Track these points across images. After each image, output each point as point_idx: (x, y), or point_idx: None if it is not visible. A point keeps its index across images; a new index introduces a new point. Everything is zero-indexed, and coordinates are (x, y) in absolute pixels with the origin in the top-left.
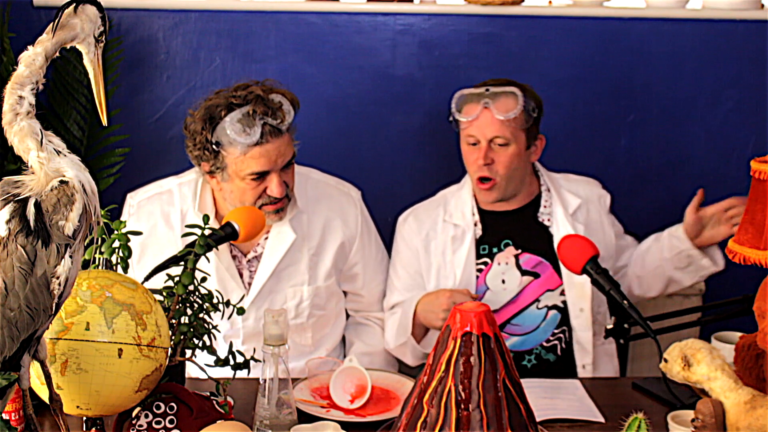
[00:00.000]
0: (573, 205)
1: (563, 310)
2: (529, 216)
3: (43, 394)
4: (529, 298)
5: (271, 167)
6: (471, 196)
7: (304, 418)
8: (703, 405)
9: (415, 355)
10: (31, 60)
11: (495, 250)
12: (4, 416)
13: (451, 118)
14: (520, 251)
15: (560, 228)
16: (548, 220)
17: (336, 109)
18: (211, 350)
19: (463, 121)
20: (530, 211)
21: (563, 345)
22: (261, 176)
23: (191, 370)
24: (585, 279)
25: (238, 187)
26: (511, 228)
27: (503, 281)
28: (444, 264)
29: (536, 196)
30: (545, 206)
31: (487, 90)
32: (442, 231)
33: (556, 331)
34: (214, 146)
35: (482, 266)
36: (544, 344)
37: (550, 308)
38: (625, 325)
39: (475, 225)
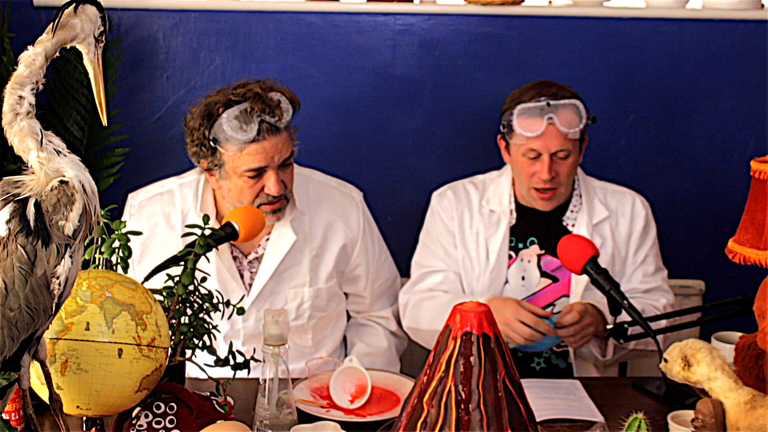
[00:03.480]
0: (599, 216)
1: None
2: (556, 218)
3: (43, 394)
4: (545, 300)
5: (267, 164)
6: (510, 185)
7: (304, 418)
8: (703, 405)
9: None
10: (31, 60)
11: (521, 245)
12: (4, 416)
13: (503, 129)
14: (543, 252)
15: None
16: (572, 225)
17: (336, 109)
18: (211, 350)
19: (526, 136)
20: (558, 213)
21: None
22: (258, 174)
23: (191, 370)
24: (581, 291)
25: (236, 185)
26: (539, 227)
27: (523, 278)
28: (477, 247)
29: (568, 200)
30: (572, 211)
31: (549, 104)
32: (477, 213)
33: None
34: (211, 143)
35: (507, 258)
36: (555, 349)
37: None
38: (625, 325)
39: (511, 213)
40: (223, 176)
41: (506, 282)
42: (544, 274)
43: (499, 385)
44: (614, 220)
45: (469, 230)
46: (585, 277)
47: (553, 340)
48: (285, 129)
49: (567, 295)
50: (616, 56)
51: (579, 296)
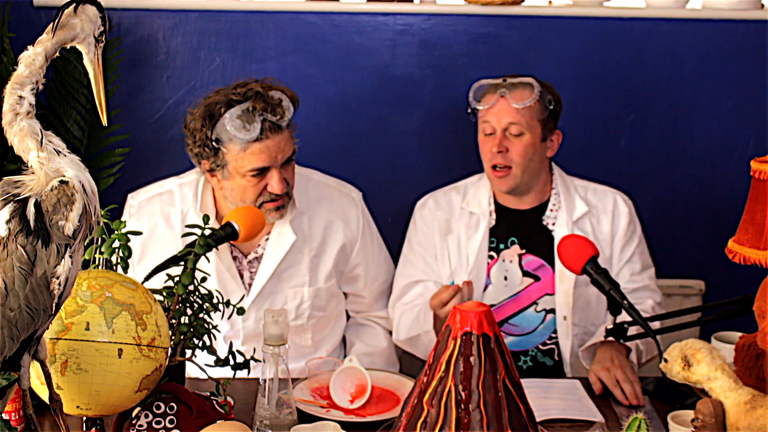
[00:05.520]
0: (579, 212)
1: None
2: (536, 218)
3: (43, 394)
4: (528, 299)
5: (271, 163)
6: (489, 186)
7: (304, 418)
8: (703, 405)
9: (428, 349)
10: (31, 60)
11: (502, 246)
12: (4, 416)
13: (469, 109)
14: (524, 251)
15: (562, 233)
16: (552, 224)
17: (336, 109)
18: (211, 350)
19: (479, 109)
20: (537, 213)
21: (560, 350)
22: (261, 173)
23: (191, 370)
24: (570, 290)
25: (239, 185)
26: (519, 227)
27: (505, 278)
28: (458, 250)
29: (547, 199)
30: (552, 210)
31: (505, 80)
32: (458, 217)
33: (553, 335)
34: (214, 143)
35: (488, 259)
36: (541, 347)
37: (548, 312)
38: (625, 325)
39: (490, 215)
40: (225, 176)
41: (489, 282)
42: (526, 273)
43: (499, 385)
44: (595, 216)
45: (451, 235)
46: (570, 275)
47: (538, 338)
48: (286, 127)
49: (551, 294)
50: (616, 56)
51: (566, 294)
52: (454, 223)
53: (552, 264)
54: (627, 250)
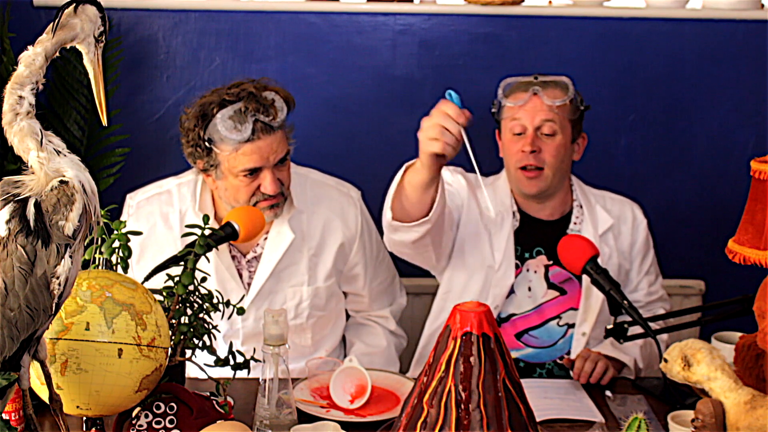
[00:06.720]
0: (604, 225)
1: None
2: (560, 230)
3: (43, 394)
4: (551, 312)
5: (263, 164)
6: (508, 187)
7: (304, 418)
8: (703, 405)
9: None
10: (31, 60)
11: (527, 255)
12: (4, 416)
13: (494, 109)
14: (551, 263)
15: None
16: None
17: (336, 109)
18: (211, 350)
19: (510, 106)
20: (561, 225)
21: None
22: (254, 173)
23: (191, 370)
24: (597, 305)
25: (232, 185)
26: (545, 237)
27: (529, 288)
28: (485, 244)
29: (569, 211)
30: (575, 223)
31: (536, 78)
32: (481, 215)
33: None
34: (206, 143)
35: (514, 263)
36: (558, 361)
37: (570, 326)
38: (625, 325)
39: (513, 215)
40: (219, 176)
41: (512, 292)
42: (551, 285)
43: (499, 385)
44: (617, 229)
45: (478, 221)
46: (598, 292)
47: (557, 352)
48: (279, 128)
49: (575, 308)
50: (616, 56)
51: (592, 310)
52: (479, 211)
53: (580, 278)
54: (646, 263)
